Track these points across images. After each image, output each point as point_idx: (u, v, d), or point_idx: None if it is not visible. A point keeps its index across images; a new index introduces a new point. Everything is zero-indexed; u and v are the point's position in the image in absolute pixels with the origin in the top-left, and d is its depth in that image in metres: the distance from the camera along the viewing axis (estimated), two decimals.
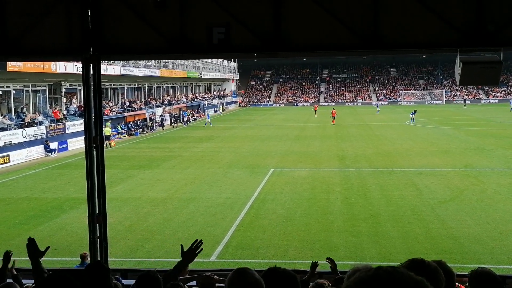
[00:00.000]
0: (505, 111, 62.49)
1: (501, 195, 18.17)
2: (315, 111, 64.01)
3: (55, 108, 37.77)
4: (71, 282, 2.49)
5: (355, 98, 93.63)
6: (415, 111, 51.98)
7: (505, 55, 8.27)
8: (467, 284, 5.13)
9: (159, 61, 53.42)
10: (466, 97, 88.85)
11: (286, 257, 12.41)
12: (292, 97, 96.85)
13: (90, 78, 7.89)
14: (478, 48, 7.76)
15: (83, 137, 8.32)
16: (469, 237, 13.62)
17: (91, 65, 7.81)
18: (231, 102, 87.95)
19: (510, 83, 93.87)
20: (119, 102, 50.12)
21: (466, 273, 8.20)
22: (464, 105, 78.41)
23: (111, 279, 4.34)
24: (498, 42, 7.55)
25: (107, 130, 37.27)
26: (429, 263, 2.74)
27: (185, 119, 55.41)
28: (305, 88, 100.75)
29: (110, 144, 36.65)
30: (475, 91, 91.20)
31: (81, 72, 7.99)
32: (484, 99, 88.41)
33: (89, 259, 8.74)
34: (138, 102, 52.95)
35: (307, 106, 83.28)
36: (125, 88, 52.57)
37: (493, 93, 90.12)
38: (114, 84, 49.42)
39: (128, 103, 50.21)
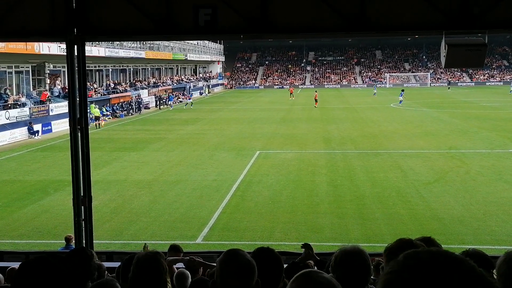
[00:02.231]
0: (488, 94, 63.00)
1: (484, 177, 18.41)
2: (291, 93, 64.47)
3: (45, 90, 37.33)
4: (55, 266, 2.47)
5: (341, 81, 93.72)
6: (403, 90, 52.28)
7: (490, 37, 8.32)
8: None
9: (144, 42, 52.83)
10: (451, 79, 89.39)
11: (272, 239, 12.47)
12: (278, 79, 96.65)
13: (74, 59, 7.79)
14: (463, 30, 7.79)
15: (67, 119, 8.25)
16: (453, 218, 13.80)
17: (75, 46, 7.71)
18: (217, 85, 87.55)
19: (493, 66, 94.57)
20: (104, 84, 49.64)
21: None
22: (449, 88, 78.90)
23: (94, 262, 4.31)
24: (483, 24, 7.58)
25: (96, 111, 37.32)
26: (417, 243, 2.77)
27: (170, 102, 54.55)
28: (291, 70, 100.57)
29: (100, 124, 36.62)
30: (459, 73, 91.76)
31: (65, 53, 7.89)
32: (469, 82, 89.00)
33: (74, 241, 8.72)
34: (123, 84, 52.48)
35: (297, 89, 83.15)
36: (110, 69, 52.04)
37: (477, 76, 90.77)
38: (98, 66, 48.88)
39: (113, 85, 49.74)
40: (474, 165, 20.36)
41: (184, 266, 5.73)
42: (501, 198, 15.54)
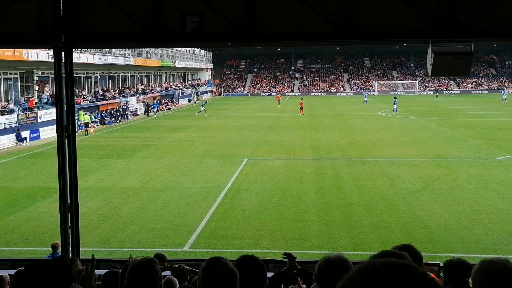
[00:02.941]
0: (475, 102, 63.58)
1: (471, 185, 18.54)
2: (278, 101, 64.67)
3: (32, 97, 37.12)
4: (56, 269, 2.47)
5: (329, 88, 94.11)
6: (395, 98, 52.62)
7: (477, 46, 8.40)
8: (440, 273, 5.22)
9: (133, 49, 52.78)
10: (439, 87, 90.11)
11: (260, 247, 12.46)
12: (266, 87, 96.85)
13: (62, 66, 7.76)
14: (450, 39, 7.87)
15: (55, 126, 8.20)
16: (440, 226, 13.86)
17: (63, 53, 7.68)
18: (206, 92, 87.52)
19: (481, 74, 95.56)
20: (93, 90, 49.44)
21: (437, 262, 8.36)
22: (436, 96, 79.58)
23: (74, 270, 4.28)
24: (469, 33, 7.66)
25: (86, 118, 37.35)
26: (398, 253, 2.78)
27: (154, 110, 52.99)
28: (280, 78, 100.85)
29: (88, 131, 36.59)
30: (446, 81, 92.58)
31: (53, 60, 7.86)
32: (455, 90, 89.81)
33: (60, 249, 8.65)
34: (112, 91, 52.30)
35: (285, 96, 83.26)
36: (99, 76, 51.84)
37: (464, 84, 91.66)
38: (87, 73, 48.69)
39: (102, 92, 49.56)
40: (461, 173, 20.51)
41: (171, 274, 5.70)
42: (488, 207, 15.64)
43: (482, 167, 21.72)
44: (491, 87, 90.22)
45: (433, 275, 5.21)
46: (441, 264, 5.51)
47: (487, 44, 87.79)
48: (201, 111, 50.88)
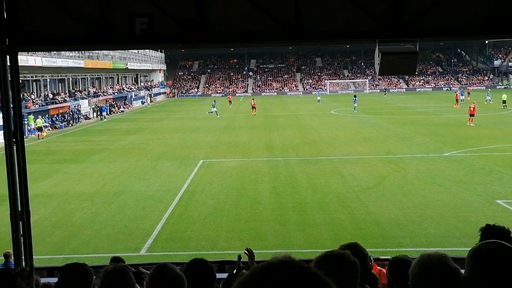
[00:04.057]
0: (423, 99, 65.51)
1: (420, 181, 19.12)
2: (229, 101, 64.93)
3: None
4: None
5: (283, 88, 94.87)
6: (355, 97, 53.48)
7: (423, 45, 8.70)
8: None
9: (83, 51, 51.67)
10: (389, 86, 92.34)
11: (216, 248, 12.49)
12: (220, 87, 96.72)
13: (7, 70, 7.56)
14: (396, 38, 8.10)
15: (1, 132, 7.98)
16: (391, 222, 14.24)
17: (8, 56, 7.49)
18: (159, 93, 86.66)
19: (428, 72, 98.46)
20: (42, 94, 48.12)
21: (388, 257, 8.61)
22: (385, 94, 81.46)
23: (20, 282, 4.22)
24: (414, 33, 7.90)
25: (39, 122, 36.59)
26: (344, 257, 2.81)
27: (104, 114, 51.32)
28: (233, 78, 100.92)
29: (40, 135, 35.94)
30: (396, 80, 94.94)
31: None
32: (400, 88, 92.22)
33: (13, 258, 8.42)
34: (62, 94, 51.06)
35: (238, 97, 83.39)
36: (48, 79, 50.53)
37: (413, 82, 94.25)
38: (36, 76, 47.37)
39: (52, 95, 48.32)
40: (411, 170, 21.12)
41: None
42: (436, 201, 16.18)
43: (430, 163, 22.43)
44: (438, 85, 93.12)
45: (384, 271, 5.34)
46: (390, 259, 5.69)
47: (433, 42, 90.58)
48: (212, 112, 49.10)
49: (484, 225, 3.43)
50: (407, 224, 14.03)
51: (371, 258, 7.15)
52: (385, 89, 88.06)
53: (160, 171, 22.28)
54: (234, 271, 5.21)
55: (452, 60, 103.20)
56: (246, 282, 1.15)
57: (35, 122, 38.19)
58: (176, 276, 2.70)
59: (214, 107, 49.46)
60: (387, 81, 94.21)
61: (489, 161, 22.41)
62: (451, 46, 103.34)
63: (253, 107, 50.25)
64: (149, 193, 18.16)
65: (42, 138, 36.14)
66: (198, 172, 21.81)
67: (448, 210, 15.16)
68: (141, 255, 12.23)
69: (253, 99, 55.82)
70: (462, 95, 58.56)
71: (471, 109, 36.37)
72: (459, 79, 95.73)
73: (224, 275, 5.66)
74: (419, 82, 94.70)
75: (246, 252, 5.46)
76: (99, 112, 51.77)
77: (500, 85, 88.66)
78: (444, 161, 22.87)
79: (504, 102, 49.27)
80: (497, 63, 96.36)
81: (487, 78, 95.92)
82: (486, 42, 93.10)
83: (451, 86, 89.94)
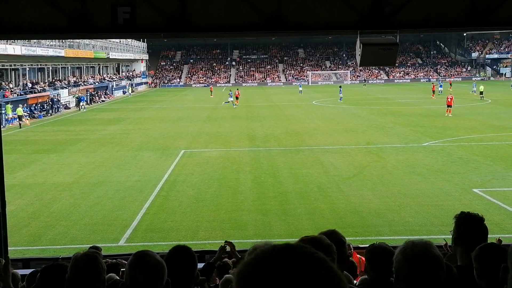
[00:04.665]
0: (401, 90, 66.04)
1: (400, 170, 19.32)
2: (211, 91, 64.99)
3: None
4: None
5: (265, 79, 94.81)
6: (340, 87, 53.63)
7: (403, 36, 8.76)
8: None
9: (63, 40, 50.92)
10: (370, 77, 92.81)
11: (197, 238, 12.49)
12: (203, 78, 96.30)
13: None
14: (376, 30, 8.14)
15: None
16: (371, 211, 14.38)
17: None
18: (141, 83, 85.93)
19: (408, 64, 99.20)
20: (21, 83, 47.38)
21: (367, 245, 8.70)
22: (364, 85, 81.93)
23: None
24: (394, 24, 7.95)
25: (19, 111, 36.25)
26: (320, 240, 2.88)
27: (82, 104, 49.57)
28: (216, 68, 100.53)
29: (21, 124, 35.69)
30: (376, 71, 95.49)
31: None
32: (378, 80, 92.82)
33: None
34: (42, 83, 50.31)
35: (220, 87, 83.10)
36: (27, 68, 49.71)
37: (393, 73, 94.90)
38: (14, 65, 46.57)
39: (31, 84, 47.59)
40: (390, 159, 21.31)
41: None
42: (415, 190, 16.38)
43: (409, 153, 22.68)
44: (418, 76, 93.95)
45: (363, 258, 5.40)
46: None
47: (413, 35, 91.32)
48: (229, 101, 48.41)
49: (458, 213, 3.48)
50: (386, 212, 14.19)
51: (351, 246, 7.23)
52: (364, 80, 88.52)
53: (141, 161, 22.15)
54: (211, 260, 5.22)
55: (432, 52, 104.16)
56: (252, 266, 1.17)
57: (14, 111, 37.65)
58: (156, 263, 2.68)
59: (230, 97, 48.86)
60: (368, 72, 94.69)
61: (467, 151, 22.73)
62: (430, 39, 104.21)
63: (236, 97, 50.11)
64: (129, 184, 18.05)
65: (28, 125, 36.11)
66: (179, 162, 21.74)
67: (426, 199, 15.37)
68: (120, 245, 12.16)
69: (237, 89, 55.62)
70: (440, 86, 59.09)
71: (449, 99, 36.86)
72: (438, 70, 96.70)
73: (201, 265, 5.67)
74: (399, 73, 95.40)
75: (227, 245, 5.48)
76: (78, 102, 51.02)
77: (477, 77, 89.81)
78: (423, 151, 23.13)
79: (481, 93, 49.96)
80: (474, 55, 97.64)
81: (465, 70, 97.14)
82: (464, 34, 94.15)
83: (430, 77, 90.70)
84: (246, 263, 1.17)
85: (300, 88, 66.74)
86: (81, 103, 49.87)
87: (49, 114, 44.58)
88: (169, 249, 3.32)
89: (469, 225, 3.37)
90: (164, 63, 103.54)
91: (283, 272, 1.12)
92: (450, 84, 65.45)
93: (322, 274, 1.13)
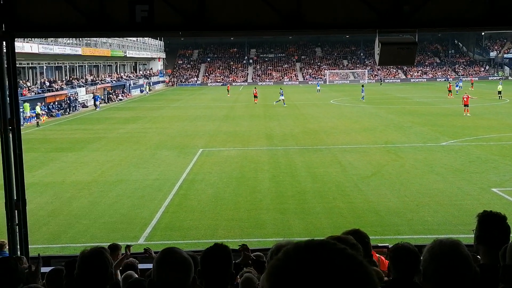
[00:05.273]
0: (419, 89, 65.38)
1: (418, 169, 19.13)
2: (228, 90, 65.13)
3: None
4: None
5: (282, 78, 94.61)
6: (363, 86, 53.34)
7: (421, 36, 8.66)
8: (387, 255, 5.38)
9: (80, 38, 51.33)
10: (388, 76, 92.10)
11: (216, 237, 12.48)
12: (220, 76, 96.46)
13: (3, 56, 7.51)
14: (395, 29, 8.06)
15: None
16: (389, 210, 14.27)
17: (4, 42, 7.43)
18: (158, 82, 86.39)
19: (426, 63, 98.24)
20: (38, 82, 47.89)
21: (386, 244, 8.61)
22: (381, 84, 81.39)
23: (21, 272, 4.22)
24: (413, 23, 7.87)
25: (37, 109, 37.35)
26: (346, 240, 2.86)
27: (97, 103, 49.65)
28: (233, 67, 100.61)
29: (38, 123, 36.38)
30: (394, 70, 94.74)
31: None
32: (395, 79, 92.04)
33: (7, 247, 8.40)
34: (59, 82, 50.81)
35: (237, 86, 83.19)
36: (44, 67, 50.23)
37: (411, 72, 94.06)
38: (32, 63, 47.08)
39: (48, 83, 48.09)
40: (409, 159, 21.13)
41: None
42: (433, 190, 16.22)
43: (428, 152, 22.46)
44: (436, 75, 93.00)
45: (382, 258, 5.35)
46: (390, 246, 5.69)
47: (431, 33, 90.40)
48: (279, 100, 47.74)
49: (481, 211, 3.43)
50: (405, 212, 14.08)
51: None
52: (380, 79, 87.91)
53: (159, 160, 22.25)
54: (237, 261, 5.19)
55: (450, 51, 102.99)
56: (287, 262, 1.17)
57: (33, 109, 38.09)
58: (183, 260, 2.69)
59: (282, 95, 48.06)
60: (386, 71, 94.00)
61: (485, 150, 22.45)
62: (448, 38, 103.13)
63: (255, 96, 50.07)
64: (148, 182, 18.14)
65: (43, 122, 36.67)
66: (198, 161, 21.79)
67: (445, 198, 15.23)
68: (139, 244, 12.21)
69: (255, 87, 55.63)
70: (457, 86, 58.24)
71: (464, 99, 36.51)
72: (456, 70, 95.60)
73: None
74: (417, 72, 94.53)
75: (240, 247, 5.46)
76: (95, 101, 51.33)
77: (494, 76, 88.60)
78: (441, 150, 22.89)
79: (499, 92, 49.30)
80: (493, 54, 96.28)
81: (483, 69, 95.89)
82: (483, 34, 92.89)
83: (448, 77, 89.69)
84: (279, 259, 1.18)
85: (318, 87, 66.31)
86: (96, 102, 50.10)
87: (67, 113, 45.03)
88: (206, 248, 3.32)
89: (492, 224, 3.33)
90: (181, 62, 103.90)
91: (316, 268, 1.14)
92: (472, 84, 64.47)
93: (354, 269, 1.15)
